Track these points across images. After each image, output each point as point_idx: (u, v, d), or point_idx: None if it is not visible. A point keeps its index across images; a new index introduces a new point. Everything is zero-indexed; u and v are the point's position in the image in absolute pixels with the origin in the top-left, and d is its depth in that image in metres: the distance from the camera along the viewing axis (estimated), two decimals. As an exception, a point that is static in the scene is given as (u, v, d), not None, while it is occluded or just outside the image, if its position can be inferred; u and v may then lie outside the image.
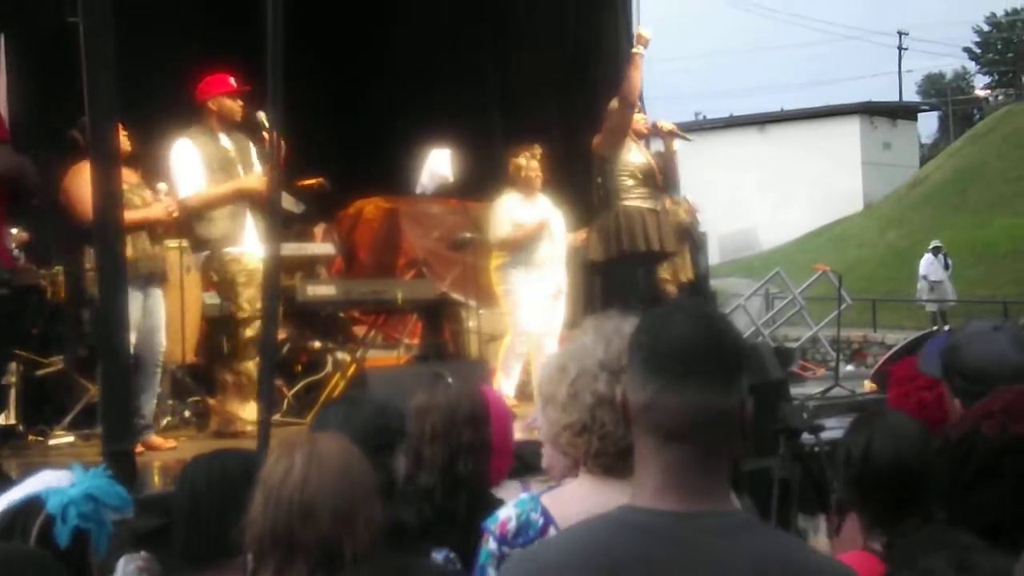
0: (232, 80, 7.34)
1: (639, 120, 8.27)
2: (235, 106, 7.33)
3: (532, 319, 8.26)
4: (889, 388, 3.47)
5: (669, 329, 1.83)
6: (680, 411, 1.78)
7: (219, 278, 7.39)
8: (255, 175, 7.30)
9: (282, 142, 6.98)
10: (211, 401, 7.64)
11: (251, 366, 7.12)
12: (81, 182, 6.40)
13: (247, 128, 7.36)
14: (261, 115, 7.16)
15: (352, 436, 2.56)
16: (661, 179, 8.29)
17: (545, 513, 2.39)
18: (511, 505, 2.47)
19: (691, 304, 1.95)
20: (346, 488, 2.25)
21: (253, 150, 7.44)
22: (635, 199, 8.09)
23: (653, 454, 1.81)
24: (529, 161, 8.45)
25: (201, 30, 9.86)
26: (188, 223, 7.32)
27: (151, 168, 7.31)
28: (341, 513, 2.25)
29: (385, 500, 3.05)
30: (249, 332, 7.15)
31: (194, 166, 7.25)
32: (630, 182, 8.10)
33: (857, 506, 2.76)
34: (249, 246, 7.22)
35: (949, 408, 2.96)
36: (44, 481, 2.44)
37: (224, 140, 7.35)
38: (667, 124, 8.40)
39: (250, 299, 7.13)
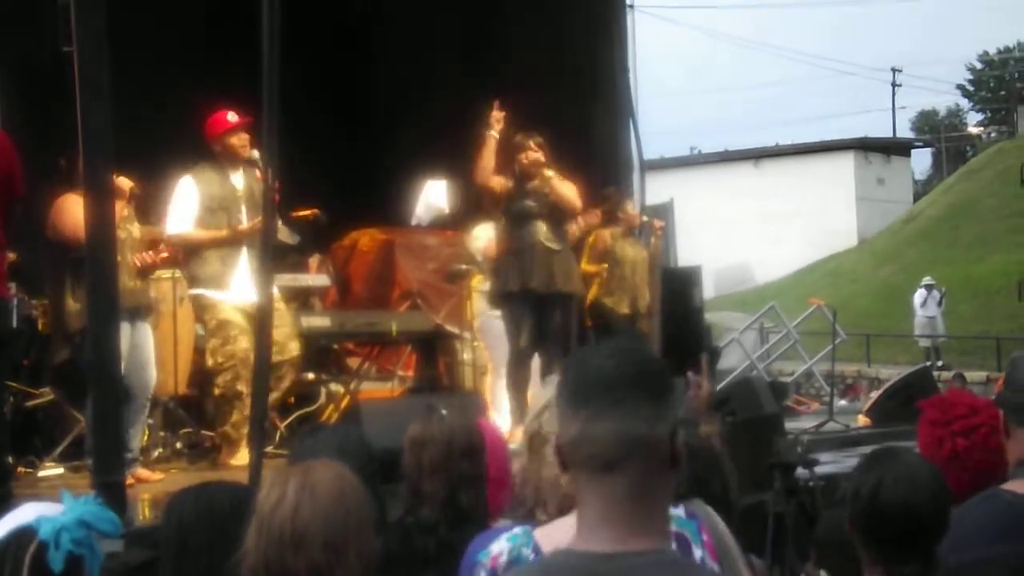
0: (232, 115, 7.28)
1: (531, 158, 7.96)
2: (239, 142, 7.24)
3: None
4: (919, 427, 3.36)
5: (595, 361, 1.85)
6: (610, 439, 1.78)
7: (198, 319, 7.43)
8: (240, 228, 7.21)
9: (277, 180, 7.04)
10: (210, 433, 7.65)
11: (227, 430, 7.13)
12: (68, 212, 6.39)
13: (254, 164, 7.27)
14: (255, 153, 7.15)
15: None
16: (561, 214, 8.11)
17: (537, 548, 2.36)
18: (504, 539, 2.43)
19: (615, 340, 1.97)
20: (339, 517, 2.22)
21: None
22: (531, 236, 7.89)
23: (588, 488, 1.82)
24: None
25: (201, 63, 9.88)
26: (183, 259, 7.33)
27: (151, 203, 7.31)
28: (333, 542, 2.22)
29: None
30: (216, 391, 7.14)
31: (189, 205, 7.24)
32: (526, 219, 7.91)
33: (861, 544, 2.73)
34: (235, 291, 7.17)
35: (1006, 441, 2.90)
36: (29, 512, 2.41)
37: (234, 178, 7.31)
38: (530, 156, 7.99)
39: (213, 350, 7.13)
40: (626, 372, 1.82)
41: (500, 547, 2.41)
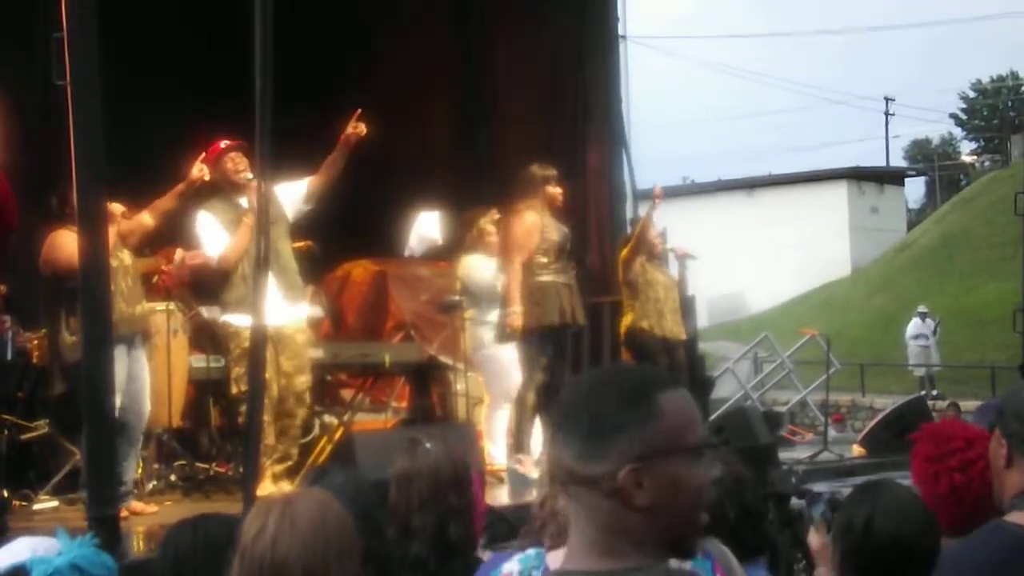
0: (224, 142, 7.26)
1: (555, 194, 8.13)
2: (233, 164, 7.24)
3: (510, 382, 8.19)
4: (913, 458, 3.32)
5: (576, 386, 1.89)
6: (552, 466, 1.86)
7: (223, 346, 7.40)
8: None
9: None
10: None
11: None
12: (60, 247, 6.40)
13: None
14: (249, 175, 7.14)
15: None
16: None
17: (547, 572, 2.36)
18: (515, 559, 2.42)
19: (612, 366, 2.00)
20: (318, 546, 2.22)
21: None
22: (549, 274, 7.99)
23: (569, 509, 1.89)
24: (486, 225, 8.50)
25: (195, 94, 9.92)
26: (217, 286, 7.32)
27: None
28: (312, 572, 2.21)
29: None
30: (241, 419, 6.92)
31: (216, 230, 7.26)
32: (544, 258, 7.99)
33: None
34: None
35: (997, 470, 2.88)
36: (24, 548, 2.39)
37: (242, 202, 7.25)
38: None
39: (238, 378, 7.01)
40: (576, 402, 1.82)
41: (511, 567, 2.41)
